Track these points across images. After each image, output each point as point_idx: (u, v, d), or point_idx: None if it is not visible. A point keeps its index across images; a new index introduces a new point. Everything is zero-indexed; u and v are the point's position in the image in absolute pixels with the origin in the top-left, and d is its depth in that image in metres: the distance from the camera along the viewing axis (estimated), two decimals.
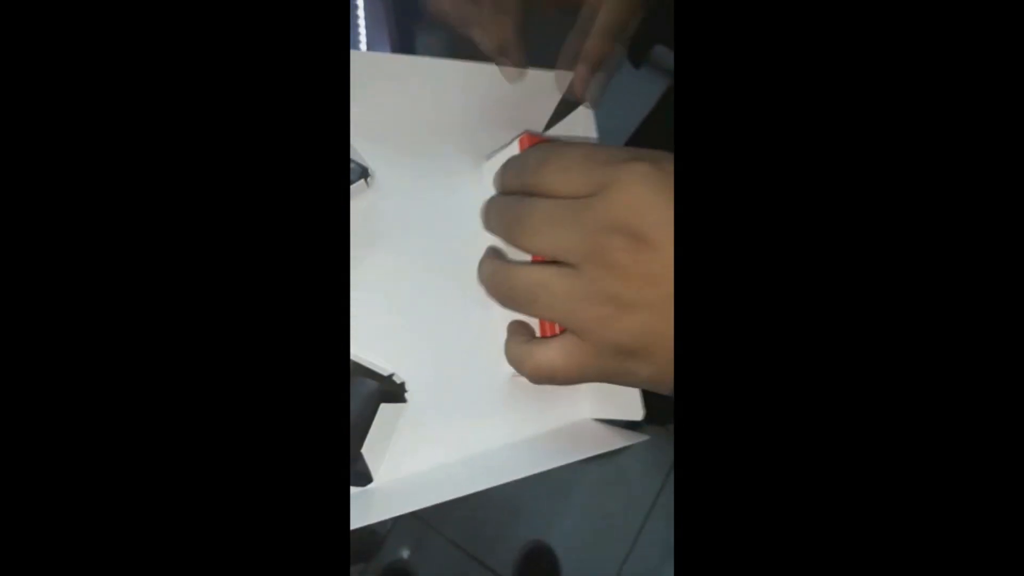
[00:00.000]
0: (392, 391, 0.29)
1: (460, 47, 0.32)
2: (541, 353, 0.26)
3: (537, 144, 0.28)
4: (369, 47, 0.48)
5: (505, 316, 0.30)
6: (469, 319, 0.31)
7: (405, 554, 1.10)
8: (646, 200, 0.23)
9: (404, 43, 0.53)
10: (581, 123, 0.34)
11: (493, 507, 1.11)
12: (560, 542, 1.11)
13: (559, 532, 1.11)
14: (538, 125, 0.35)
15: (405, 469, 0.29)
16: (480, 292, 0.30)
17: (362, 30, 0.46)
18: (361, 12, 0.45)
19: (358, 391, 0.28)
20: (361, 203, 0.30)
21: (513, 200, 0.27)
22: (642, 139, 0.32)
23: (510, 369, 0.29)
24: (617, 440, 0.31)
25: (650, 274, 0.23)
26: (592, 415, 0.34)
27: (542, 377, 0.27)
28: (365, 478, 0.28)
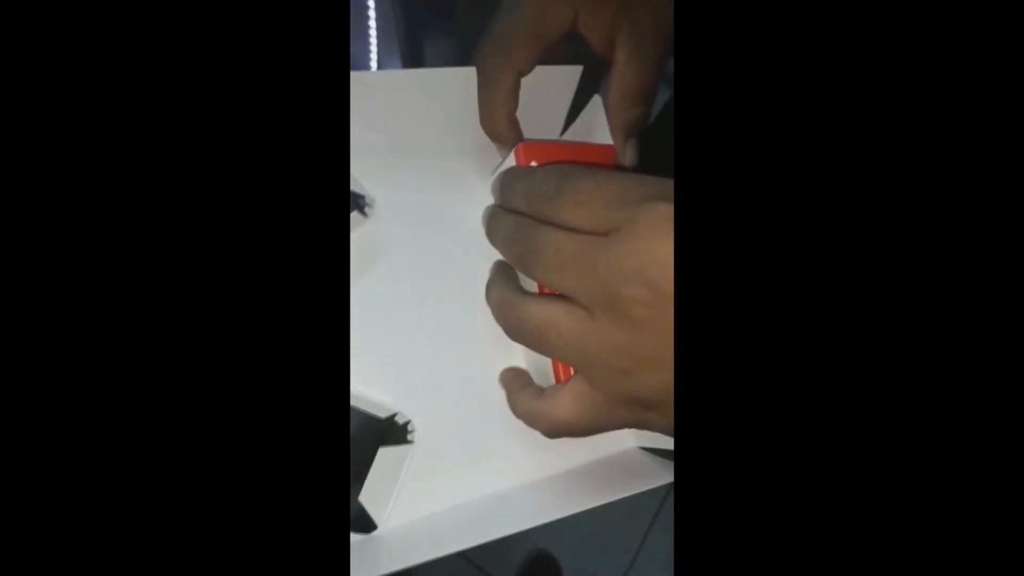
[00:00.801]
0: (394, 432, 0.28)
1: (470, 54, 0.32)
2: (554, 409, 0.25)
3: (549, 165, 0.27)
4: (380, 61, 0.48)
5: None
6: (485, 346, 0.30)
7: None
8: (665, 248, 0.21)
9: (414, 54, 0.54)
10: (596, 115, 0.33)
11: None
12: (563, 551, 1.11)
13: (561, 541, 1.11)
14: (551, 127, 0.34)
15: (419, 513, 0.27)
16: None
17: (373, 42, 0.47)
18: (373, 24, 0.45)
19: (353, 435, 0.27)
20: (356, 235, 0.29)
21: (525, 226, 0.26)
22: (643, 146, 0.31)
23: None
24: (665, 475, 0.29)
25: (669, 330, 0.22)
26: (636, 443, 0.32)
27: (559, 433, 0.26)
28: (366, 524, 0.26)
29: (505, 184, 0.28)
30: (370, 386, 0.28)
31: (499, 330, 0.28)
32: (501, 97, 0.29)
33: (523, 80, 0.29)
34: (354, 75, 0.28)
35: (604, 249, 0.23)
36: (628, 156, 0.30)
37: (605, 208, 0.23)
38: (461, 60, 0.37)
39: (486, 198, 0.31)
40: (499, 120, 0.29)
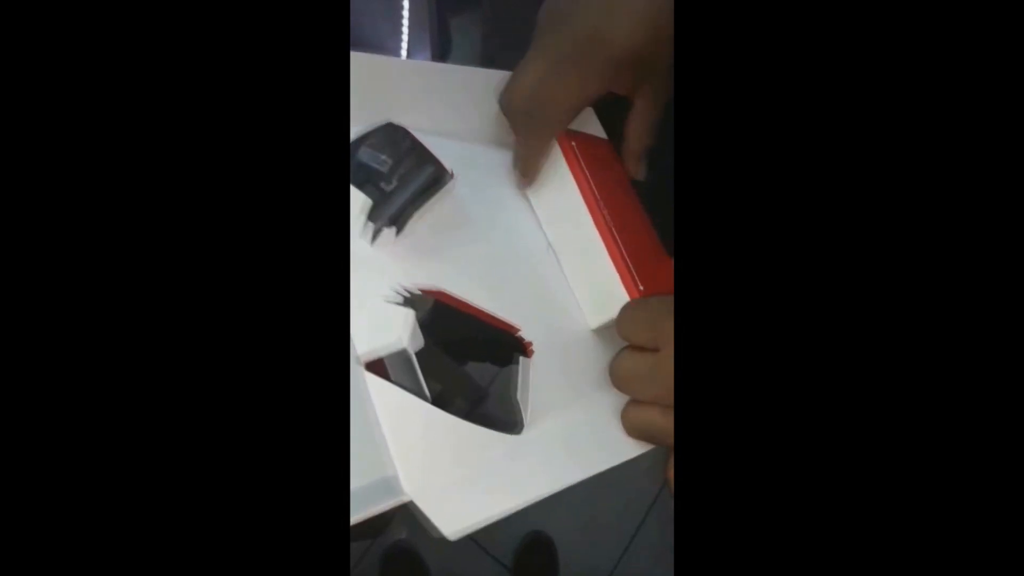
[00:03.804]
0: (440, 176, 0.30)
1: (492, 26, 0.33)
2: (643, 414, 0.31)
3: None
4: (409, 52, 0.49)
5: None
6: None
7: (404, 534, 1.12)
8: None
9: (443, 44, 0.55)
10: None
11: None
12: (559, 537, 1.13)
13: (558, 526, 1.13)
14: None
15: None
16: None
17: (404, 33, 0.48)
18: (406, 15, 0.46)
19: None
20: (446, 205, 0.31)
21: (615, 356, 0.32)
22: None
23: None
24: None
25: None
26: None
27: (643, 437, 0.31)
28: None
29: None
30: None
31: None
32: (539, 154, 0.34)
33: None
34: (385, 60, 0.30)
35: (660, 363, 0.29)
36: (640, 171, 0.37)
37: (647, 330, 0.29)
38: (486, 53, 0.39)
39: (511, 187, 0.35)
40: (534, 168, 0.34)
